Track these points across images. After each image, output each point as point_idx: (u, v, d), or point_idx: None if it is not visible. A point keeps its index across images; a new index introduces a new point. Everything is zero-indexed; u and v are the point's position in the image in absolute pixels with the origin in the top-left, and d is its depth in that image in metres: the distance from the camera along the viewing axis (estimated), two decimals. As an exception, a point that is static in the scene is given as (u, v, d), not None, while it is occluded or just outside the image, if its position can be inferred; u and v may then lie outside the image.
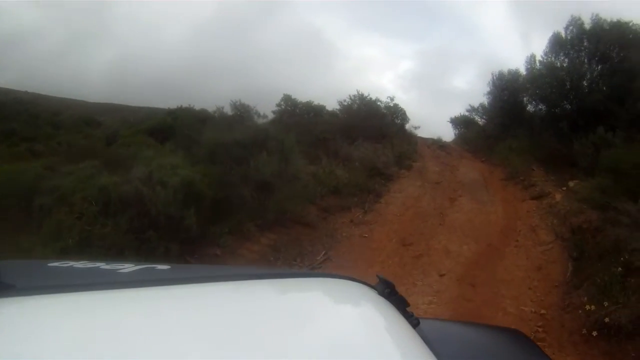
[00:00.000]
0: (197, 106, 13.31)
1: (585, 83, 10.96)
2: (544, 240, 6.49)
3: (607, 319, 4.11)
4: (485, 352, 1.21)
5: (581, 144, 9.48)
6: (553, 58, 12.24)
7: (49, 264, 0.95)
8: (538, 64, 12.73)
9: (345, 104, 14.88)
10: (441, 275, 5.61)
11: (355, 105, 14.58)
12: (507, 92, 14.78)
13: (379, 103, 15.11)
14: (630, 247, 4.74)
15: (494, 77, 15.37)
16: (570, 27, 11.94)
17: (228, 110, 13.17)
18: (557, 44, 12.17)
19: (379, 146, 11.76)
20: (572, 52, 11.79)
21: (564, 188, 8.80)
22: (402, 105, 16.57)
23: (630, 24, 11.05)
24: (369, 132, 13.08)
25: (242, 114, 13.23)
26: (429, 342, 0.80)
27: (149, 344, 0.53)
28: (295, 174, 7.71)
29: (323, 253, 6.69)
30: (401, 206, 8.79)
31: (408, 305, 0.94)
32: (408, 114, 16.73)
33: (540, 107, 12.52)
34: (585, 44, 11.53)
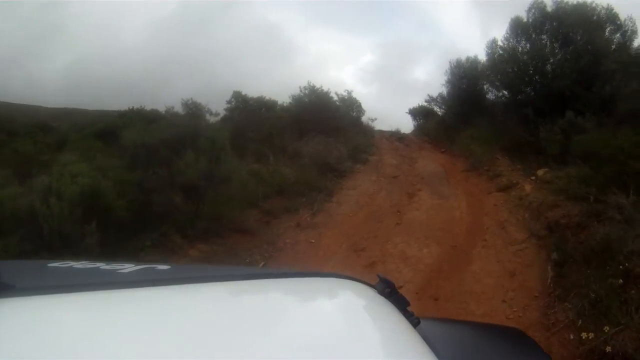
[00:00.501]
0: (158, 106, 12.61)
1: (549, 67, 10.23)
2: (516, 239, 5.56)
3: (608, 348, 3.13)
4: (486, 351, 1.16)
5: (548, 130, 8.71)
6: (514, 43, 11.49)
7: (49, 264, 0.97)
8: (499, 50, 11.92)
9: (296, 97, 13.66)
10: (398, 288, 4.52)
11: (307, 98, 13.36)
12: (466, 80, 14.04)
13: (331, 95, 13.94)
14: (627, 249, 3.80)
15: (452, 66, 14.60)
16: (532, 10, 11.18)
17: (179, 109, 12.38)
18: (518, 28, 11.40)
19: (332, 140, 10.66)
20: (534, 35, 11.05)
21: (533, 177, 7.99)
22: (362, 98, 15.66)
23: (593, 4, 10.36)
24: (322, 126, 12.02)
25: (193, 113, 12.46)
26: (430, 341, 0.79)
27: (149, 344, 0.52)
28: (228, 174, 6.52)
29: (261, 265, 5.66)
30: (354, 205, 7.75)
31: (408, 304, 0.94)
32: (368, 106, 15.95)
33: (502, 94, 11.77)
34: (547, 27, 10.81)
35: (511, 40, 11.57)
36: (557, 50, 10.42)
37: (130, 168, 6.64)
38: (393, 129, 17.74)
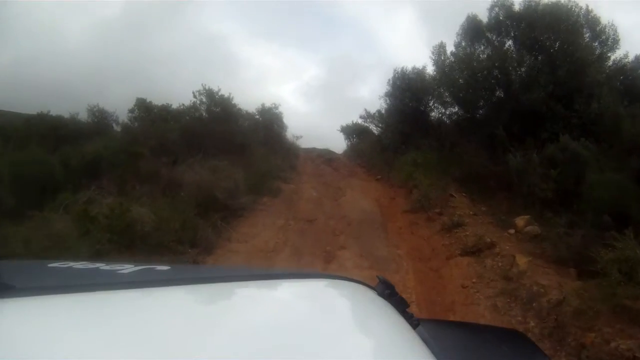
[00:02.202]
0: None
1: (515, 78, 7.75)
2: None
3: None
4: (485, 352, 1.17)
5: (524, 160, 6.14)
6: (469, 47, 9.05)
7: (48, 265, 0.94)
8: (450, 56, 9.42)
9: (189, 105, 10.38)
10: None
11: (204, 107, 10.10)
12: (410, 93, 11.42)
13: (236, 104, 10.73)
14: None
15: (395, 76, 11.97)
16: (495, 9, 8.76)
17: (85, 116, 11.59)
18: (474, 30, 8.98)
19: (226, 164, 7.41)
20: (495, 39, 8.68)
21: (512, 231, 5.30)
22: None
23: (569, 5, 8.11)
24: (222, 143, 8.94)
25: (99, 121, 11.70)
26: (429, 342, 0.79)
27: (149, 344, 0.51)
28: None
29: None
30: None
31: (408, 306, 0.92)
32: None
33: (453, 111, 9.24)
34: (512, 29, 8.44)
35: (464, 44, 9.17)
36: (525, 58, 8.09)
37: None
38: (325, 147, 15.13)
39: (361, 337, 0.69)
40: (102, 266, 0.88)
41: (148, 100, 11.05)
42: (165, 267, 0.93)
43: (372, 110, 14.40)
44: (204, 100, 9.87)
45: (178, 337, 0.54)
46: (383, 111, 13.24)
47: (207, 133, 9.15)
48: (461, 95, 8.51)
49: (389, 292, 0.91)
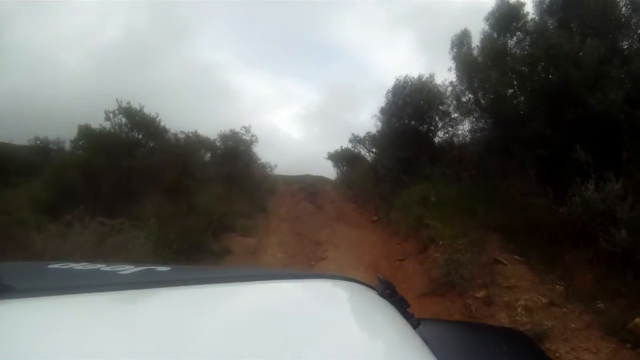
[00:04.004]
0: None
1: (578, 73, 5.13)
2: None
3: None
4: (485, 352, 1.14)
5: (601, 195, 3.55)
6: (501, 39, 6.43)
7: (48, 266, 0.94)
8: (477, 47, 6.68)
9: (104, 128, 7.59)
10: None
11: (124, 129, 7.34)
12: (411, 109, 8.89)
13: (163, 125, 7.93)
14: None
15: (397, 86, 9.45)
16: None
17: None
18: (508, 18, 6.37)
19: (122, 223, 4.55)
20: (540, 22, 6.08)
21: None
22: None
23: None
24: (145, 183, 6.31)
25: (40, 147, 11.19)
26: (430, 342, 0.78)
27: (149, 345, 0.51)
28: None
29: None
30: None
31: (408, 306, 0.90)
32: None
33: (479, 125, 6.57)
34: (562, 11, 5.88)
35: (495, 35, 6.55)
36: (588, 43, 5.49)
37: None
38: (322, 175, 12.82)
39: (362, 337, 0.67)
40: (103, 267, 0.88)
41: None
42: (165, 268, 0.90)
43: (362, 133, 11.98)
44: (124, 121, 7.14)
45: (178, 337, 0.53)
46: (376, 133, 10.80)
47: (122, 168, 6.47)
48: (492, 99, 5.89)
49: (389, 292, 0.89)
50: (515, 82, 5.34)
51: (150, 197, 6.32)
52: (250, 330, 0.58)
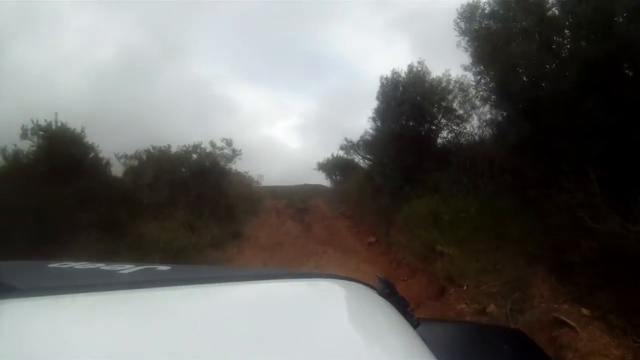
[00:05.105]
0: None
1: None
2: None
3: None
4: (486, 352, 1.14)
5: None
6: None
7: (49, 265, 0.94)
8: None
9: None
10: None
11: (41, 152, 5.82)
12: (408, 106, 7.57)
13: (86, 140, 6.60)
14: None
15: (385, 85, 8.21)
16: None
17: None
18: None
19: None
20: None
21: None
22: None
23: None
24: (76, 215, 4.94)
25: None
26: (430, 342, 0.76)
27: (149, 345, 0.49)
28: None
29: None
30: None
31: (408, 305, 0.89)
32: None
33: (499, 120, 5.18)
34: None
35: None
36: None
37: None
38: (320, 183, 11.74)
39: (361, 336, 0.65)
40: (103, 266, 0.88)
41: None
42: (165, 267, 0.90)
43: (356, 138, 10.63)
44: (37, 140, 5.69)
45: (178, 337, 0.52)
46: (370, 137, 9.46)
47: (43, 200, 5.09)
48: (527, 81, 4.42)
49: (389, 292, 0.89)
50: (563, 51, 3.94)
51: (84, 232, 4.97)
52: (250, 329, 0.56)
